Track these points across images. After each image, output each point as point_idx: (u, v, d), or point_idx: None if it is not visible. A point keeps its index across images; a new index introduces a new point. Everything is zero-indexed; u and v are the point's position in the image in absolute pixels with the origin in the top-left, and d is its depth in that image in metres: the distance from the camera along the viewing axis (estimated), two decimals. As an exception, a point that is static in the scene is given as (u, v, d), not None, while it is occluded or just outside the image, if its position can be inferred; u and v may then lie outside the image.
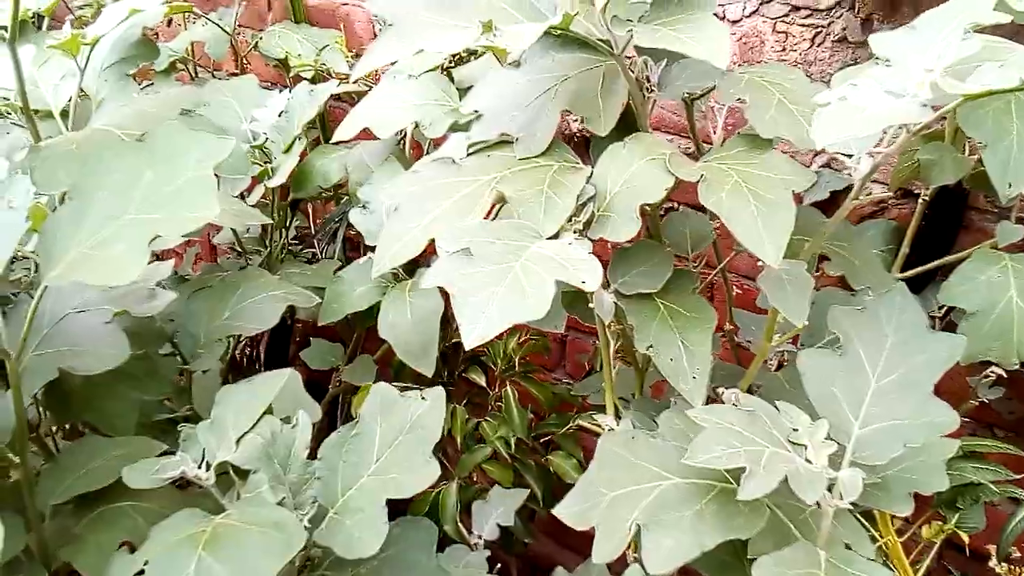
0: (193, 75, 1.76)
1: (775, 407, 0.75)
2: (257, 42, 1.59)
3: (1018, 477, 1.09)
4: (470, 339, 0.62)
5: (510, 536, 1.23)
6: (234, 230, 1.38)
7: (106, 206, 0.74)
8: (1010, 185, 0.85)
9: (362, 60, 0.77)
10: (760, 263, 0.80)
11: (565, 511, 0.76)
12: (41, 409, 1.00)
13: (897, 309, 0.79)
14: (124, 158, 0.75)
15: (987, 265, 0.94)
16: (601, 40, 0.78)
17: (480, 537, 1.01)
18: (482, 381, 1.32)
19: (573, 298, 0.93)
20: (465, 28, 0.71)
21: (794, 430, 0.74)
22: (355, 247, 1.53)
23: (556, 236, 0.73)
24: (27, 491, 0.84)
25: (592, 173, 0.78)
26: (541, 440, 1.30)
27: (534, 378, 1.32)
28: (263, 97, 1.36)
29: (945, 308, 1.06)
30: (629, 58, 0.81)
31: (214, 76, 1.73)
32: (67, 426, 1.09)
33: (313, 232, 1.64)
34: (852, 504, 0.78)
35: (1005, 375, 1.10)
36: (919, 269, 1.09)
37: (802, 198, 1.13)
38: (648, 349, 0.79)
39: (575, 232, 0.74)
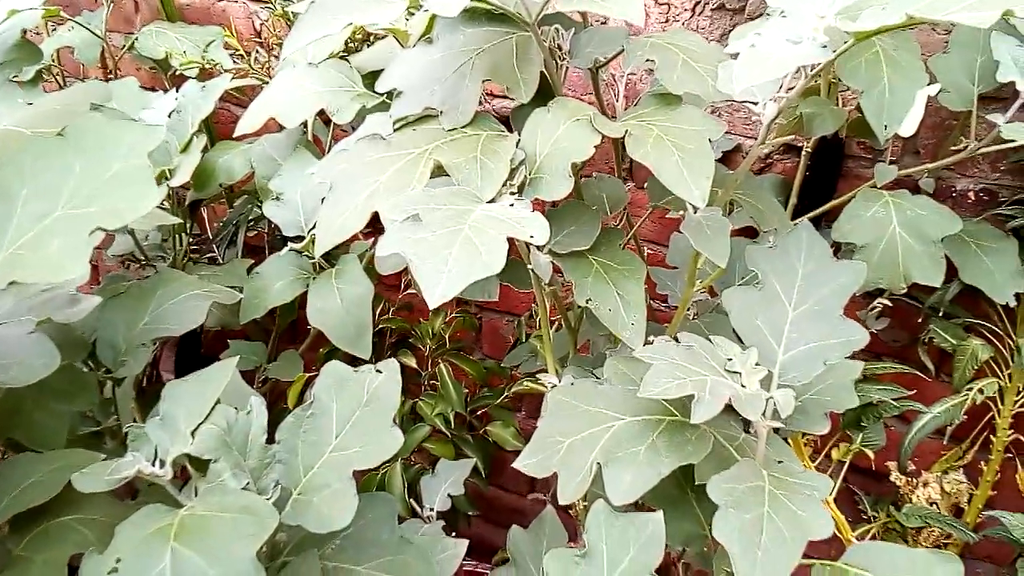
0: (62, 84, 1.69)
1: (710, 341, 0.81)
2: (132, 43, 1.54)
3: (912, 393, 1.20)
4: (433, 298, 0.65)
5: (455, 514, 1.26)
6: (135, 237, 1.34)
7: (33, 205, 0.71)
8: (886, 127, 0.94)
9: (291, 37, 0.78)
10: (680, 213, 0.86)
11: (525, 463, 0.79)
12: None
13: (805, 244, 0.86)
14: (47, 154, 0.73)
15: (870, 202, 1.03)
16: (514, 11, 0.82)
17: (432, 510, 1.03)
18: (412, 363, 1.33)
19: (505, 265, 0.97)
20: (391, 1, 0.73)
21: (728, 360, 0.80)
22: (254, 251, 1.51)
23: (495, 201, 0.77)
24: (-42, 514, 0.80)
25: (519, 140, 0.82)
26: (476, 414, 1.32)
27: (464, 355, 1.35)
28: (147, 99, 1.33)
29: (835, 248, 1.16)
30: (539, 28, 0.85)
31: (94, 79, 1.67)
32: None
33: (211, 237, 1.61)
34: (775, 431, 0.85)
35: (890, 304, 1.21)
36: (807, 216, 1.18)
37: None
38: (587, 302, 0.84)
39: (515, 196, 0.77)
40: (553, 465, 0.78)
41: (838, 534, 1.26)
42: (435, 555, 0.89)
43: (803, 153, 1.17)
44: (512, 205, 0.74)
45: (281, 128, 1.28)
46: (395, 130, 0.84)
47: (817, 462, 1.31)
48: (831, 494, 1.28)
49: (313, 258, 1.15)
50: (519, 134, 0.82)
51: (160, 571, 0.67)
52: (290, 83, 1.08)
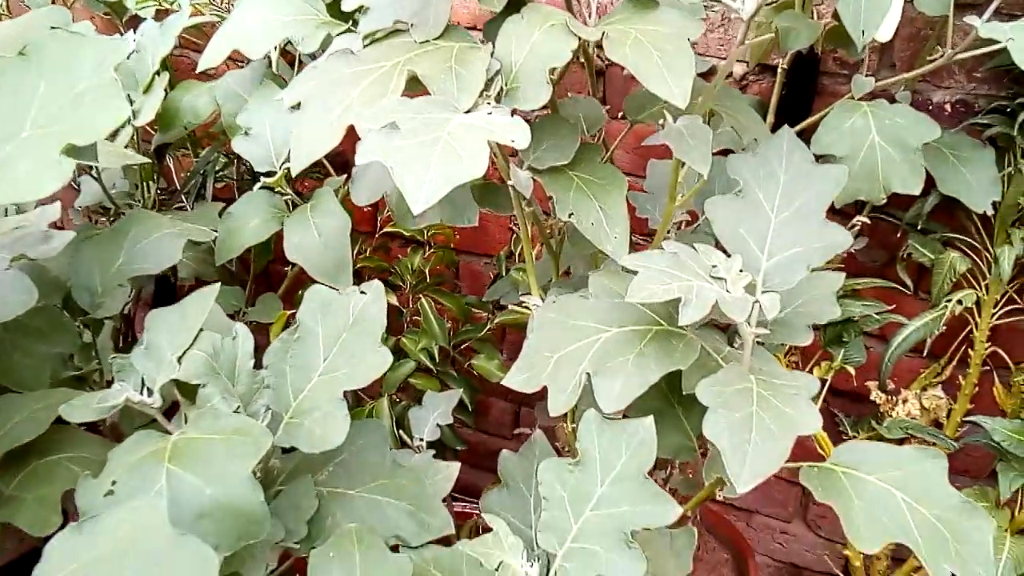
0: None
1: (695, 250, 0.81)
2: (84, -13, 1.49)
3: (892, 308, 1.22)
4: (417, 204, 0.64)
5: (442, 449, 1.26)
6: (103, 185, 1.31)
7: (-1, 128, 0.69)
8: (864, 32, 0.94)
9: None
10: (661, 122, 0.85)
11: (514, 379, 0.79)
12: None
13: (786, 151, 0.86)
14: (7, 75, 0.71)
15: (849, 113, 1.03)
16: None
17: (422, 440, 1.03)
18: (394, 301, 1.33)
19: (483, 189, 0.96)
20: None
21: (713, 267, 0.80)
22: (223, 203, 1.49)
23: (472, 111, 0.76)
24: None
25: (494, 50, 0.81)
26: (460, 349, 1.32)
27: (445, 290, 1.35)
28: (107, 45, 1.29)
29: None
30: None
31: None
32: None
33: (179, 188, 1.58)
34: (760, 345, 0.86)
35: (868, 222, 1.22)
36: (784, 134, 1.18)
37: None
38: (569, 216, 0.83)
39: (492, 104, 0.76)
40: (542, 380, 0.78)
41: (820, 451, 1.28)
42: (429, 477, 0.89)
43: (779, 71, 1.17)
44: (490, 113, 0.73)
45: (245, 64, 1.26)
46: (365, 46, 0.82)
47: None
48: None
49: (287, 195, 1.13)
50: (493, 45, 0.81)
51: (157, 491, 0.67)
52: (251, 14, 1.05)
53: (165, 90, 1.30)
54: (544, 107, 0.84)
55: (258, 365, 0.80)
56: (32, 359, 0.92)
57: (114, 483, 0.67)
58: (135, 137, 1.29)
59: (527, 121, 0.85)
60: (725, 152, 1.18)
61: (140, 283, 1.37)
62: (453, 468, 0.90)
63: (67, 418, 0.76)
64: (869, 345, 1.33)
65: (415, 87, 0.78)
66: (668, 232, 1.11)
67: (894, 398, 1.33)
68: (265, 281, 1.47)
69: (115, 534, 0.54)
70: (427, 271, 1.33)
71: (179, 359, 0.77)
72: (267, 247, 1.20)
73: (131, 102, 1.25)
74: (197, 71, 1.19)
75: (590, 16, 0.96)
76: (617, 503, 0.74)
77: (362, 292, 0.81)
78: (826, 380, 1.26)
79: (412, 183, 0.65)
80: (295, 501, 0.82)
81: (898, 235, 1.26)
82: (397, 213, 0.99)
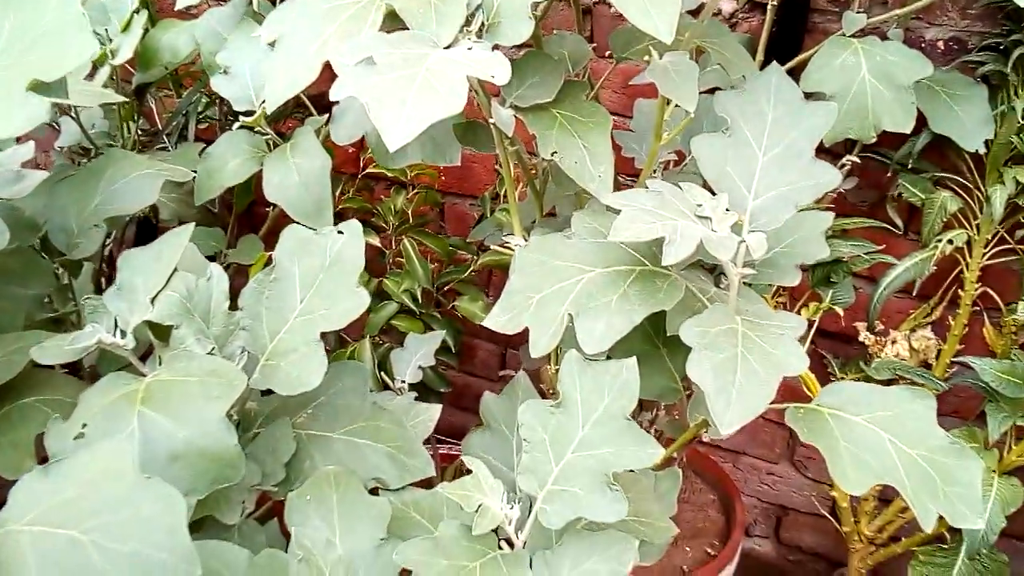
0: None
1: (679, 188, 0.79)
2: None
3: (881, 248, 1.21)
4: (393, 141, 0.62)
5: (426, 391, 1.26)
6: (81, 125, 1.28)
7: (-38, 63, 0.67)
8: (856, -34, 0.91)
9: None
10: (646, 59, 0.83)
11: (495, 321, 0.78)
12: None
13: (774, 88, 0.84)
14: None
15: (840, 50, 1.01)
16: None
17: (404, 382, 1.02)
18: (376, 242, 1.31)
19: (465, 128, 0.94)
20: None
21: (698, 206, 0.78)
22: (205, 141, 1.46)
23: (452, 47, 0.73)
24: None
25: (475, -17, 0.78)
26: (443, 291, 1.31)
27: (428, 232, 1.33)
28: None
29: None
30: None
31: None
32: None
33: (161, 128, 1.55)
34: (747, 286, 0.84)
35: (858, 161, 1.20)
36: (775, 73, 1.15)
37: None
38: (553, 155, 0.81)
39: (473, 40, 0.74)
40: (524, 321, 0.77)
41: (808, 393, 1.28)
42: (409, 419, 0.88)
43: (768, 8, 1.14)
44: (471, 49, 0.71)
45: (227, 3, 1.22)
46: (344, -20, 0.79)
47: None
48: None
49: (267, 135, 1.10)
50: (475, -23, 0.78)
51: (128, 434, 0.66)
52: (230, -52, 1.02)
53: (145, 28, 1.26)
54: (528, 44, 0.82)
55: (235, 307, 0.79)
56: (7, 301, 0.90)
57: (84, 426, 0.66)
58: (114, 76, 1.26)
59: (511, 59, 0.83)
60: (713, 91, 1.16)
61: (120, 224, 1.35)
62: (434, 410, 0.90)
63: (38, 360, 0.75)
64: (858, 286, 1.32)
65: (394, 23, 0.75)
66: (654, 172, 1.09)
67: (883, 339, 1.32)
68: (248, 223, 1.45)
69: (81, 477, 0.53)
70: (410, 212, 1.31)
71: (152, 300, 0.75)
72: (248, 188, 1.17)
73: (109, 40, 1.21)
74: (176, 8, 1.16)
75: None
76: (599, 445, 0.74)
77: (339, 232, 0.79)
78: (814, 321, 1.26)
79: (388, 119, 0.63)
80: (273, 444, 0.82)
81: (888, 175, 1.24)
82: (377, 152, 0.97)
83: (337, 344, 1.26)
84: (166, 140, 1.52)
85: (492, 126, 0.83)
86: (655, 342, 0.90)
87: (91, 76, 1.19)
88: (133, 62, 1.25)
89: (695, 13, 1.17)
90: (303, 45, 0.74)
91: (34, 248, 0.95)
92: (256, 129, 1.10)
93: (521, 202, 1.07)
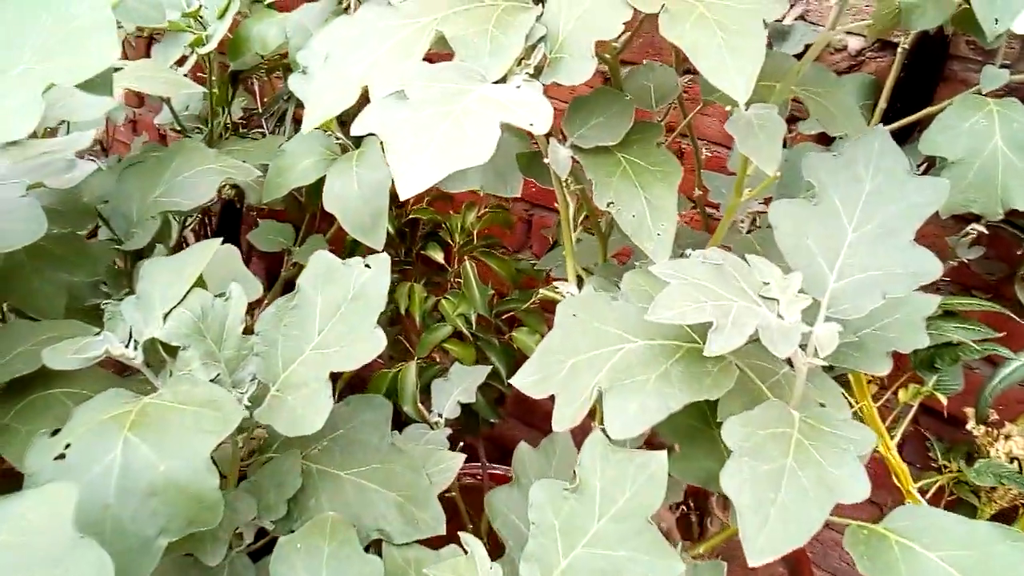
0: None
1: (746, 262, 0.70)
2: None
3: (999, 336, 1.06)
4: (405, 188, 0.56)
5: (475, 417, 1.20)
6: (171, 107, 1.29)
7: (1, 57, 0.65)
8: (997, 21, 0.78)
9: None
10: (729, 109, 0.74)
11: (522, 380, 0.71)
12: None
13: (876, 154, 0.73)
14: (13, 4, 0.66)
15: (971, 111, 0.88)
16: None
17: (440, 416, 0.97)
18: (440, 258, 1.26)
19: (530, 159, 0.87)
20: None
21: (765, 284, 0.68)
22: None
23: (503, 81, 0.66)
24: (-56, 378, 0.78)
25: (543, 12, 0.70)
26: (504, 317, 1.24)
27: (495, 254, 1.26)
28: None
29: (925, 164, 1.00)
30: None
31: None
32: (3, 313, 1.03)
33: (260, 112, 1.55)
34: (827, 368, 0.74)
35: (986, 231, 1.06)
36: (898, 123, 1.02)
37: (771, 45, 1.06)
38: (608, 206, 0.73)
39: (525, 76, 0.66)
40: (552, 386, 0.70)
41: (897, 483, 1.14)
42: (429, 467, 0.82)
43: (899, 51, 1.01)
44: (519, 87, 0.63)
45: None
46: (406, -5, 0.73)
47: (882, 401, 1.19)
48: (894, 440, 1.16)
49: (340, 139, 1.06)
50: (543, 6, 0.70)
51: (109, 462, 0.63)
52: (323, -56, 0.98)
53: (243, 16, 1.25)
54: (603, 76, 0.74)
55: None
56: (49, 286, 0.89)
57: (68, 446, 0.63)
58: (207, 62, 1.25)
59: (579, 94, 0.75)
60: (823, 139, 1.05)
61: (197, 210, 1.35)
62: (457, 460, 0.83)
63: (47, 363, 0.73)
64: (974, 366, 1.18)
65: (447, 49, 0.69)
66: (742, 226, 0.99)
67: (995, 431, 1.17)
68: (328, 219, 1.42)
69: (19, 523, 0.50)
70: (475, 232, 1.25)
71: (165, 316, 0.72)
72: (319, 188, 1.14)
73: (205, 28, 1.20)
74: (264, 2, 1.14)
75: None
76: (613, 544, 0.66)
77: (367, 266, 0.74)
78: (911, 406, 1.12)
79: (404, 165, 0.56)
80: (280, 476, 0.78)
81: (1021, 249, 1.09)
82: (437, 174, 0.91)
83: (388, 359, 1.22)
84: (265, 125, 1.51)
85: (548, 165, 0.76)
86: (708, 419, 0.81)
87: (183, 62, 1.18)
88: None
89: (799, 56, 1.06)
90: (348, 67, 0.69)
91: (80, 234, 0.94)
92: (328, 132, 1.06)
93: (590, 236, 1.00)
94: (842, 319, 0.70)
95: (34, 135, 1.00)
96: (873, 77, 1.09)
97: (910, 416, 1.19)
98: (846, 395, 1.01)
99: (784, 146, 1.12)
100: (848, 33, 1.09)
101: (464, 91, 0.62)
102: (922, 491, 1.15)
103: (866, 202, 0.72)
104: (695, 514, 1.13)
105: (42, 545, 0.48)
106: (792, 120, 1.14)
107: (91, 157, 1.40)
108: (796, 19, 1.13)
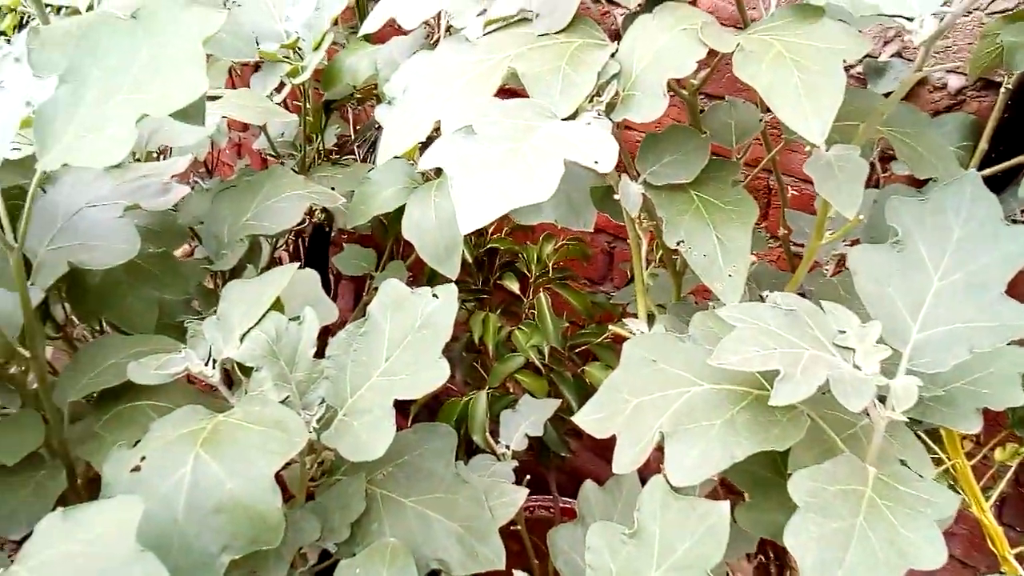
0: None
1: (821, 308, 0.68)
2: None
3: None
4: (466, 223, 0.56)
5: (546, 449, 1.19)
6: (267, 134, 1.34)
7: (101, 87, 0.69)
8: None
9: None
10: (808, 149, 0.72)
11: (585, 418, 0.70)
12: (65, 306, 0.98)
13: (967, 200, 0.70)
14: (119, 36, 0.70)
15: (1077, 157, 0.83)
16: None
17: (508, 447, 0.96)
18: (516, 288, 1.26)
19: (604, 194, 0.86)
20: None
21: (841, 332, 0.66)
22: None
23: (574, 117, 0.66)
24: (41, 387, 0.82)
25: (618, 49, 0.70)
26: (577, 350, 1.24)
27: (571, 286, 1.26)
28: (296, -5, 1.30)
29: (1026, 211, 0.95)
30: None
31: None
32: (100, 327, 1.08)
33: (352, 139, 1.59)
34: (914, 421, 0.70)
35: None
36: (999, 167, 0.98)
37: (866, 82, 1.03)
38: (678, 244, 0.72)
39: (596, 113, 0.66)
40: (615, 426, 0.69)
41: (993, 549, 1.08)
42: (492, 499, 0.82)
43: (1002, 91, 0.96)
44: (589, 124, 0.63)
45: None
46: (485, 33, 0.74)
47: (978, 459, 1.12)
48: (989, 501, 1.10)
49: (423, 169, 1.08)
50: (618, 44, 0.70)
51: (180, 477, 0.65)
52: (415, -20, 1.01)
53: (338, 47, 1.29)
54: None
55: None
56: (141, 302, 0.94)
57: (143, 459, 0.66)
58: (303, 92, 1.29)
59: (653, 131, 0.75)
60: (917, 179, 1.00)
61: (289, 232, 1.40)
62: (520, 494, 0.83)
63: (132, 377, 0.76)
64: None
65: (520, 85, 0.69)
66: (826, 264, 0.96)
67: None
68: (410, 245, 1.45)
69: (87, 533, 0.52)
70: (552, 263, 1.25)
71: (242, 337, 0.74)
72: (400, 217, 1.16)
73: (301, 58, 1.25)
74: (360, 35, 1.17)
75: (770, 9, 0.83)
76: (671, 595, 0.64)
77: (435, 295, 0.74)
78: (1010, 467, 1.06)
79: (467, 199, 0.57)
80: (345, 499, 0.79)
81: None
82: (513, 207, 0.91)
83: (463, 385, 1.22)
84: (356, 151, 1.55)
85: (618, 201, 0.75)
86: (779, 469, 0.78)
87: (279, 90, 1.23)
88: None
89: (914, 92, 1.03)
90: (424, 100, 0.70)
91: (171, 253, 0.98)
92: (411, 161, 1.08)
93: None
94: (925, 372, 0.67)
95: (137, 159, 1.06)
96: (974, 117, 1.04)
97: (1008, 476, 1.12)
98: (938, 451, 0.96)
99: (876, 186, 1.09)
100: (949, 71, 1.05)
101: (532, 128, 0.62)
102: (1016, 558, 1.08)
103: (955, 251, 0.69)
104: (774, 565, 1.09)
105: (104, 556, 0.50)
106: (886, 159, 1.10)
107: (196, 179, 1.47)
108: (892, 56, 1.09)
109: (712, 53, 0.66)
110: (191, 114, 0.71)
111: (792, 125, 0.59)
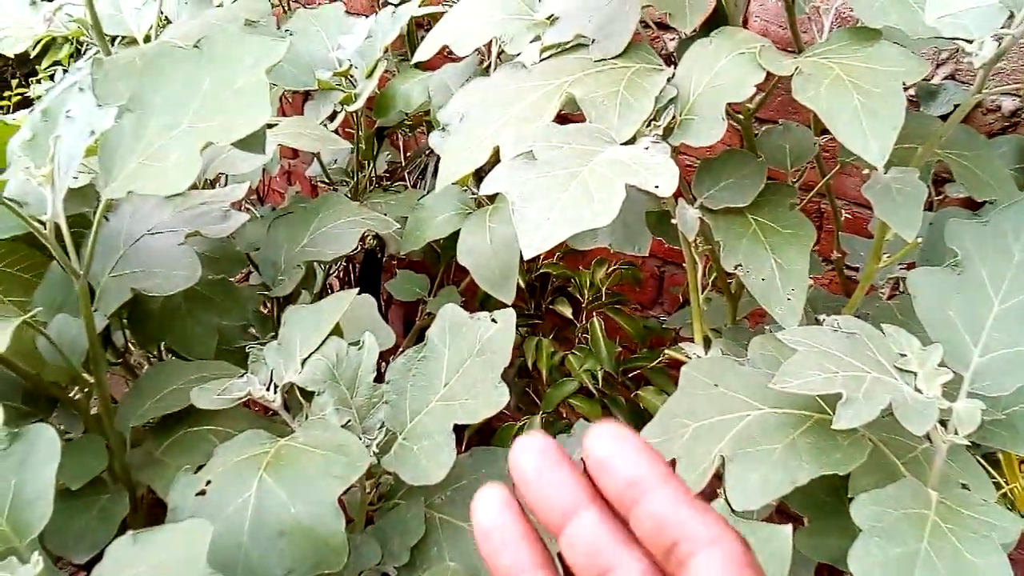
0: (286, 8, 1.75)
1: (882, 331, 0.67)
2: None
3: None
4: (529, 248, 0.57)
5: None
6: (320, 161, 1.36)
7: (164, 116, 0.71)
8: None
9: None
10: (866, 172, 0.71)
11: (643, 442, 0.70)
12: (127, 333, 1.01)
13: (1028, 222, 0.69)
14: (181, 66, 0.72)
15: None
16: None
17: (562, 472, 0.96)
18: (569, 313, 1.26)
19: (659, 218, 0.87)
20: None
21: (902, 356, 0.65)
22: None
23: (632, 141, 0.67)
24: (104, 411, 0.84)
25: (674, 74, 0.71)
26: (631, 375, 1.23)
27: (623, 310, 1.26)
28: (349, 24, 1.33)
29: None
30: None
31: (304, 7, 1.71)
32: (161, 352, 1.11)
33: (403, 166, 1.61)
34: (973, 445, 0.70)
35: None
36: (1058, 188, 0.96)
37: (919, 105, 1.02)
38: (736, 268, 0.72)
39: (654, 138, 0.67)
40: (674, 451, 0.69)
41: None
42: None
43: (1061, 111, 0.95)
44: (647, 148, 0.64)
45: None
46: (541, 59, 0.76)
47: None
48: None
49: (476, 194, 1.10)
50: (675, 69, 0.71)
51: (244, 500, 0.66)
52: (468, 8, 1.02)
53: (390, 75, 1.32)
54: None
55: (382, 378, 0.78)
56: (201, 328, 0.96)
57: (208, 483, 0.67)
58: (356, 119, 1.32)
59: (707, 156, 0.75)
60: (972, 202, 0.99)
61: (343, 258, 1.42)
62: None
63: (195, 402, 0.78)
64: None
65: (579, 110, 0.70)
66: (883, 288, 0.95)
67: None
68: (462, 270, 1.46)
69: (157, 556, 0.54)
70: (604, 288, 1.25)
71: (303, 362, 0.76)
72: (454, 241, 1.17)
73: (354, 86, 1.27)
74: (412, 63, 1.19)
75: (823, 34, 0.83)
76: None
77: (493, 320, 0.75)
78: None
79: (530, 224, 0.58)
80: (403, 524, 0.79)
81: None
82: (567, 232, 0.92)
83: (516, 410, 1.23)
84: (407, 178, 1.58)
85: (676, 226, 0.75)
86: (840, 494, 0.77)
87: (333, 117, 1.25)
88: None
89: (945, 117, 1.02)
90: (481, 126, 0.71)
91: (230, 280, 1.00)
92: (464, 187, 1.09)
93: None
94: (986, 396, 0.66)
95: (194, 186, 1.09)
96: (1030, 139, 1.03)
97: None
98: (996, 476, 0.94)
99: (930, 209, 1.08)
100: (1004, 93, 1.04)
101: (591, 152, 0.63)
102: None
103: (1016, 273, 0.68)
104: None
105: (179, 577, 0.51)
106: (940, 182, 1.09)
107: (248, 206, 1.50)
108: (945, 79, 1.09)
109: (768, 78, 0.67)
110: (252, 143, 0.73)
111: (852, 147, 0.59)
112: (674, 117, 0.69)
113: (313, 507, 0.66)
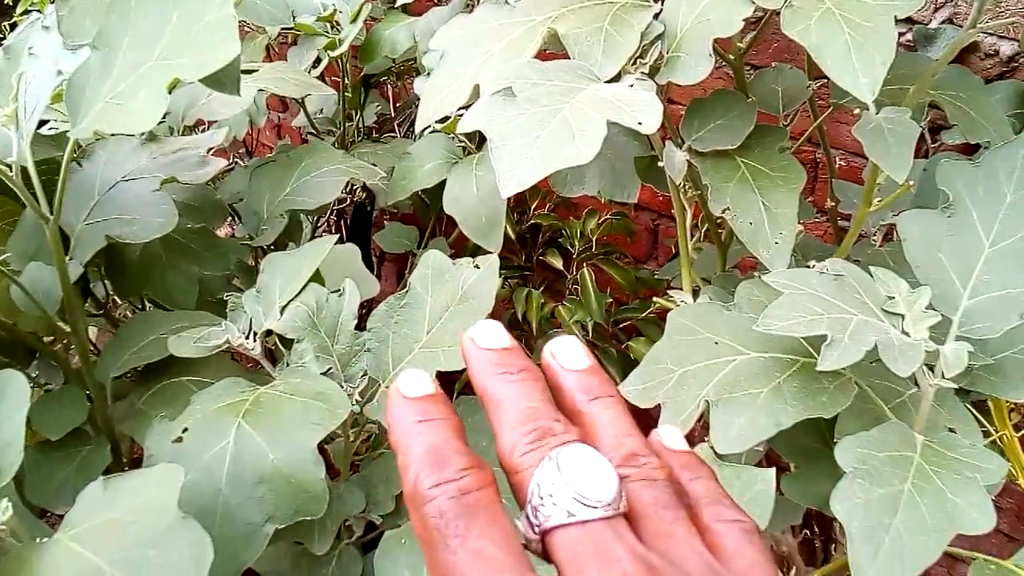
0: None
1: (870, 275, 0.66)
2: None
3: None
4: (508, 186, 0.55)
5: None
6: (305, 110, 1.34)
7: (132, 53, 0.69)
8: None
9: None
10: (857, 112, 0.70)
11: (630, 388, 0.70)
12: (107, 284, 0.99)
13: (1020, 164, 0.67)
14: (149, 1, 0.70)
15: None
16: None
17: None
18: (559, 264, 1.25)
19: (649, 164, 0.85)
20: None
21: (890, 298, 0.64)
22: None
23: (617, 79, 0.65)
24: (83, 362, 0.83)
25: (661, 10, 0.69)
26: (622, 326, 1.22)
27: (615, 261, 1.24)
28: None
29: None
30: None
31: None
32: (144, 304, 1.09)
33: (392, 116, 1.59)
34: (962, 392, 0.69)
35: None
36: (1054, 133, 0.94)
37: (916, 49, 1.00)
38: (724, 212, 0.71)
39: (639, 75, 0.65)
40: (658, 396, 0.68)
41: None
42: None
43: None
44: (632, 86, 0.62)
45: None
46: (524, -5, 0.73)
47: (1025, 432, 1.10)
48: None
49: (463, 142, 1.08)
50: (662, 4, 0.69)
51: (222, 447, 0.65)
52: (453, -51, 1.00)
53: (376, 20, 1.29)
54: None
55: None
56: (182, 278, 0.94)
57: (185, 430, 0.66)
58: (341, 65, 1.29)
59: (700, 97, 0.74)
60: (968, 149, 0.98)
61: (331, 211, 1.40)
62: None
63: (172, 351, 0.76)
64: None
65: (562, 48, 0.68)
66: (875, 234, 0.94)
67: None
68: (452, 222, 1.45)
69: (132, 500, 0.53)
70: (595, 238, 1.23)
71: (282, 309, 0.75)
72: (441, 192, 1.16)
73: (339, 31, 1.25)
74: (397, 6, 1.16)
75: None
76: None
77: (476, 266, 0.74)
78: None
79: (508, 162, 0.56)
80: (389, 472, 0.79)
81: None
82: (553, 177, 0.90)
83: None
84: (396, 129, 1.55)
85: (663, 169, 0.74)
86: (826, 439, 0.76)
87: (317, 63, 1.23)
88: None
89: (965, 53, 1.00)
90: (461, 65, 0.69)
91: (211, 229, 0.98)
92: (451, 135, 1.07)
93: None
94: (975, 339, 0.65)
95: (172, 132, 1.07)
96: (1027, 84, 1.01)
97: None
98: (985, 423, 0.94)
99: (925, 156, 1.06)
100: (1000, 37, 1.02)
101: (574, 90, 0.61)
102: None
103: (1006, 215, 0.67)
104: (819, 539, 1.08)
105: (147, 524, 0.50)
106: (936, 129, 1.07)
107: (236, 159, 1.47)
108: (943, 23, 1.06)
109: (758, 18, 0.65)
110: (225, 82, 0.71)
111: (841, 83, 0.57)
112: (661, 54, 0.67)
113: (292, 454, 0.65)
